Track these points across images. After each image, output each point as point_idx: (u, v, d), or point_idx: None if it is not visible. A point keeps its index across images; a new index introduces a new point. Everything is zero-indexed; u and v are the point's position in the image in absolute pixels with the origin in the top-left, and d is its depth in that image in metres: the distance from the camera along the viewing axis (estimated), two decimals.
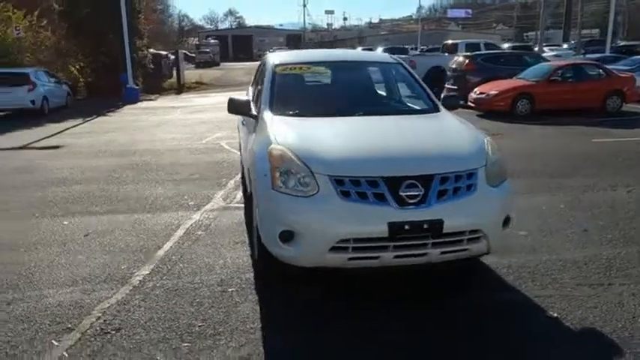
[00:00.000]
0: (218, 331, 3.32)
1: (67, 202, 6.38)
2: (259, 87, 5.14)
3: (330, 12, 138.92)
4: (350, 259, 3.40)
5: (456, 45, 25.21)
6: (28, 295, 3.85)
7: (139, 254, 4.61)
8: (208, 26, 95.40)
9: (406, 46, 36.99)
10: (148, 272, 4.21)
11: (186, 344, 3.18)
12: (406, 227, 3.28)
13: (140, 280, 4.06)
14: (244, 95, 6.12)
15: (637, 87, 13.82)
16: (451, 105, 4.77)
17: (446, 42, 27.99)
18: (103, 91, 21.49)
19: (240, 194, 6.40)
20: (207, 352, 3.09)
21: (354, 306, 3.63)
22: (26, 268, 4.33)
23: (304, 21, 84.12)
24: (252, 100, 5.19)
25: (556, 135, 10.79)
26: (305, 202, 3.36)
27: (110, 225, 5.42)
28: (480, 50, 21.52)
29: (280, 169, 3.49)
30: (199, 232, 5.14)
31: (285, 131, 3.89)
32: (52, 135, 12.35)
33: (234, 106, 4.69)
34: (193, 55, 53.91)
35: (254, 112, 4.63)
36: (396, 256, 3.39)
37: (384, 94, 5.27)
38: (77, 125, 14.27)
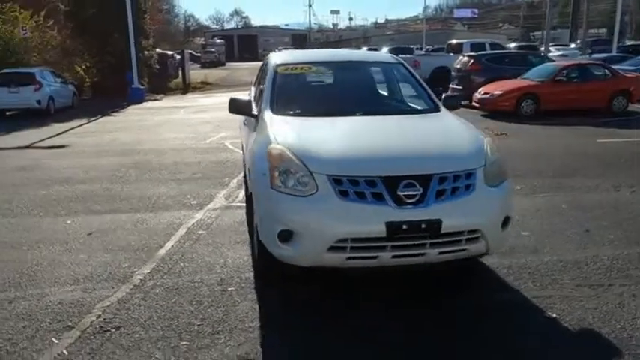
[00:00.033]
0: (217, 329, 3.34)
1: (71, 201, 6.43)
2: (261, 87, 5.16)
3: (335, 12, 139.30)
4: (348, 258, 3.40)
5: (460, 45, 25.14)
6: (30, 293, 3.89)
7: (140, 253, 4.63)
8: (214, 26, 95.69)
9: (411, 46, 36.91)
10: (148, 271, 4.24)
11: (184, 342, 3.20)
12: (404, 227, 3.28)
13: (141, 279, 4.09)
14: (248, 95, 6.15)
15: None
16: (452, 105, 4.75)
17: (450, 42, 27.92)
18: (108, 90, 21.63)
19: (242, 193, 6.42)
20: (205, 351, 3.11)
21: (353, 305, 3.64)
22: (29, 266, 4.37)
23: (309, 21, 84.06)
24: (254, 100, 5.21)
25: (561, 135, 10.75)
26: (303, 202, 3.37)
27: (112, 224, 5.45)
28: (485, 50, 21.42)
29: (279, 169, 3.50)
30: (201, 232, 5.16)
31: (284, 131, 3.90)
32: (58, 134, 12.44)
33: (235, 106, 4.71)
34: (199, 55, 54.08)
35: (255, 112, 4.64)
36: (394, 256, 3.40)
37: (384, 94, 5.27)
38: (82, 125, 14.36)
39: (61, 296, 3.82)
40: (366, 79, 5.23)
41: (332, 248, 3.34)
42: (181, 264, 4.38)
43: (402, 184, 3.32)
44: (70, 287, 3.97)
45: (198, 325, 3.40)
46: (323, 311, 3.59)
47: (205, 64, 49.10)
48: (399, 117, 4.51)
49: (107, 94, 21.32)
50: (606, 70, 13.89)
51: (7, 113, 16.20)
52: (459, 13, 79.81)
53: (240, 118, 6.15)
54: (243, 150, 6.64)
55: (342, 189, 3.34)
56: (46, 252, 4.71)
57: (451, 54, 23.16)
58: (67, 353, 3.10)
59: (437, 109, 4.61)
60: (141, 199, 6.39)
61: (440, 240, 3.39)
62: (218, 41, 61.97)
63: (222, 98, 20.07)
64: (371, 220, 3.29)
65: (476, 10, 76.91)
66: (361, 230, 3.32)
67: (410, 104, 4.97)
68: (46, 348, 3.17)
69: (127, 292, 3.87)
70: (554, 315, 3.48)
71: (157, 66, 26.88)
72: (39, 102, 15.77)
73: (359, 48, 38.19)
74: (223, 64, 53.19)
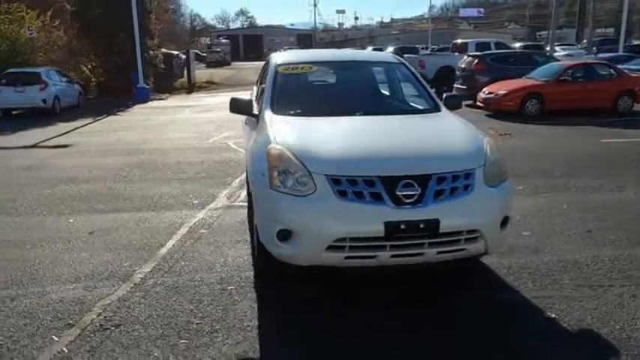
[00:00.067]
0: (215, 328, 3.36)
1: (74, 199, 6.47)
2: (262, 86, 5.17)
3: (341, 11, 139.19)
4: (346, 258, 3.41)
5: (465, 44, 25.00)
6: (32, 291, 3.92)
7: (141, 252, 4.66)
8: (220, 26, 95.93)
9: (417, 46, 36.81)
10: (149, 270, 4.26)
11: (183, 341, 3.21)
12: (402, 227, 3.28)
13: (141, 278, 4.11)
14: (250, 94, 6.16)
15: None
16: (453, 105, 4.74)
17: (455, 41, 27.79)
18: (114, 90, 21.74)
19: (244, 193, 6.44)
20: (203, 349, 3.12)
21: (351, 305, 3.65)
22: (31, 264, 4.41)
23: (315, 20, 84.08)
24: (256, 100, 5.22)
25: (565, 135, 10.70)
26: (302, 202, 3.38)
27: (115, 223, 5.48)
28: (490, 50, 21.33)
29: (278, 169, 3.51)
30: (202, 231, 5.19)
31: (284, 131, 3.91)
32: (63, 134, 12.51)
33: (236, 106, 4.73)
34: (205, 54, 54.21)
35: (255, 112, 4.66)
36: (393, 256, 3.40)
37: (386, 93, 5.27)
38: (87, 124, 14.44)
39: (62, 294, 3.84)
40: (367, 79, 5.23)
41: (330, 248, 3.35)
42: (182, 263, 4.40)
43: (401, 183, 3.32)
44: (72, 285, 4.00)
45: (197, 323, 3.41)
46: (322, 311, 3.60)
47: (211, 64, 49.21)
48: (399, 117, 4.51)
49: (113, 93, 21.43)
50: (612, 70, 13.82)
51: (13, 112, 16.33)
52: (464, 12, 79.58)
53: (242, 117, 6.17)
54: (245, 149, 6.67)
55: (341, 189, 3.34)
56: (48, 250, 4.74)
57: (456, 53, 23.08)
58: (67, 351, 3.12)
59: (437, 109, 4.61)
60: (143, 199, 6.43)
61: (438, 240, 3.39)
62: (224, 41, 62.12)
63: (227, 98, 19.82)
64: (369, 219, 3.30)
65: (482, 10, 76.64)
66: (359, 230, 3.32)
67: (411, 104, 4.97)
68: (46, 346, 3.19)
69: (127, 290, 3.90)
70: (554, 315, 3.47)
71: (163, 66, 27.01)
72: (44, 101, 15.87)
73: (364, 47, 38.11)
74: (229, 64, 53.29)
